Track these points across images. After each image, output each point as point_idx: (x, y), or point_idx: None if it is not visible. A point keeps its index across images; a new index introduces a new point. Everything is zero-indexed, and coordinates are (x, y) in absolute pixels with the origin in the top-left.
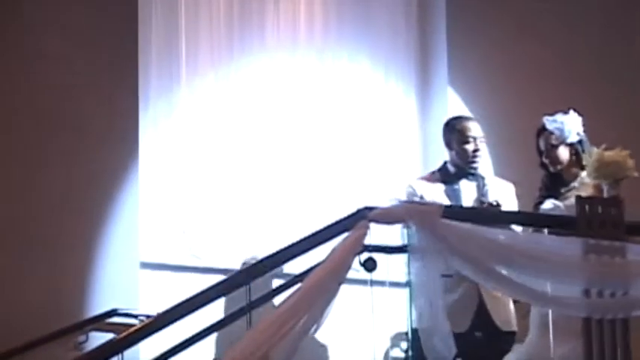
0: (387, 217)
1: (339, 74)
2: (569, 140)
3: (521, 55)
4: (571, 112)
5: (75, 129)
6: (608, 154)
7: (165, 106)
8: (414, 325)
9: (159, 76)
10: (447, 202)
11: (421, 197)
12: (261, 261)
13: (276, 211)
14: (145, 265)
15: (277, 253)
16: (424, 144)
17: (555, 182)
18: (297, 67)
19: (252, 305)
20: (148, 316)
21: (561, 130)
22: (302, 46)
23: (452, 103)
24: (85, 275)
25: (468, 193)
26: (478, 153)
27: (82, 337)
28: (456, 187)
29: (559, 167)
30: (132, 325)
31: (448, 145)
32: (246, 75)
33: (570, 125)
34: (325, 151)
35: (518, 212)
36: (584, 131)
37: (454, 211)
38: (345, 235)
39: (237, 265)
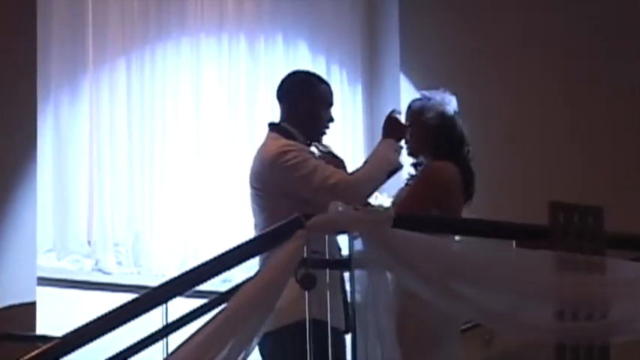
0: (328, 225)
1: (274, 59)
2: (427, 120)
3: (486, 34)
4: (439, 91)
5: None
6: None
7: (68, 94)
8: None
9: (61, 60)
10: None
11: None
12: (181, 276)
13: (202, 217)
14: (43, 281)
15: (199, 267)
16: (370, 139)
17: (416, 170)
18: (223, 51)
19: (169, 328)
20: (46, 340)
21: (417, 107)
22: (229, 27)
23: (405, 93)
24: None
25: None
26: (331, 124)
27: None
28: None
29: (411, 151)
30: (28, 351)
31: (296, 102)
32: (163, 61)
33: (434, 102)
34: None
35: (481, 221)
36: (453, 117)
37: (406, 219)
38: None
39: (153, 282)
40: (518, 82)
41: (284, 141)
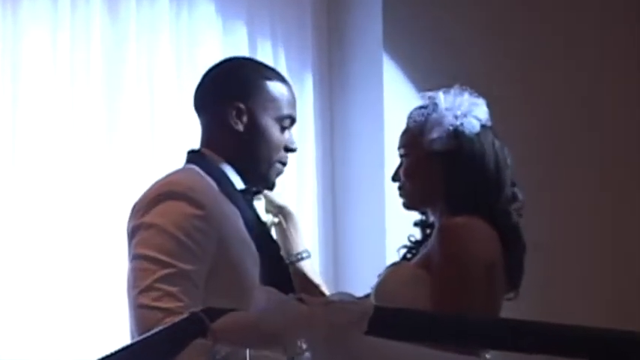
0: (248, 333)
1: (153, 24)
2: (431, 145)
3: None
4: (455, 90)
5: None
6: None
7: None
8: None
9: None
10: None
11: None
12: None
13: (47, 313)
14: None
15: None
16: (328, 146)
17: (423, 234)
18: (61, 9)
19: None
20: None
21: (417, 124)
22: None
23: (390, 87)
24: None
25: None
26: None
27: None
28: (250, 215)
29: (408, 200)
30: None
31: (224, 114)
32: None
33: (442, 114)
34: (167, 164)
35: (530, 324)
36: (479, 137)
37: (393, 317)
38: None
39: None
40: (531, 67)
41: (181, 179)
